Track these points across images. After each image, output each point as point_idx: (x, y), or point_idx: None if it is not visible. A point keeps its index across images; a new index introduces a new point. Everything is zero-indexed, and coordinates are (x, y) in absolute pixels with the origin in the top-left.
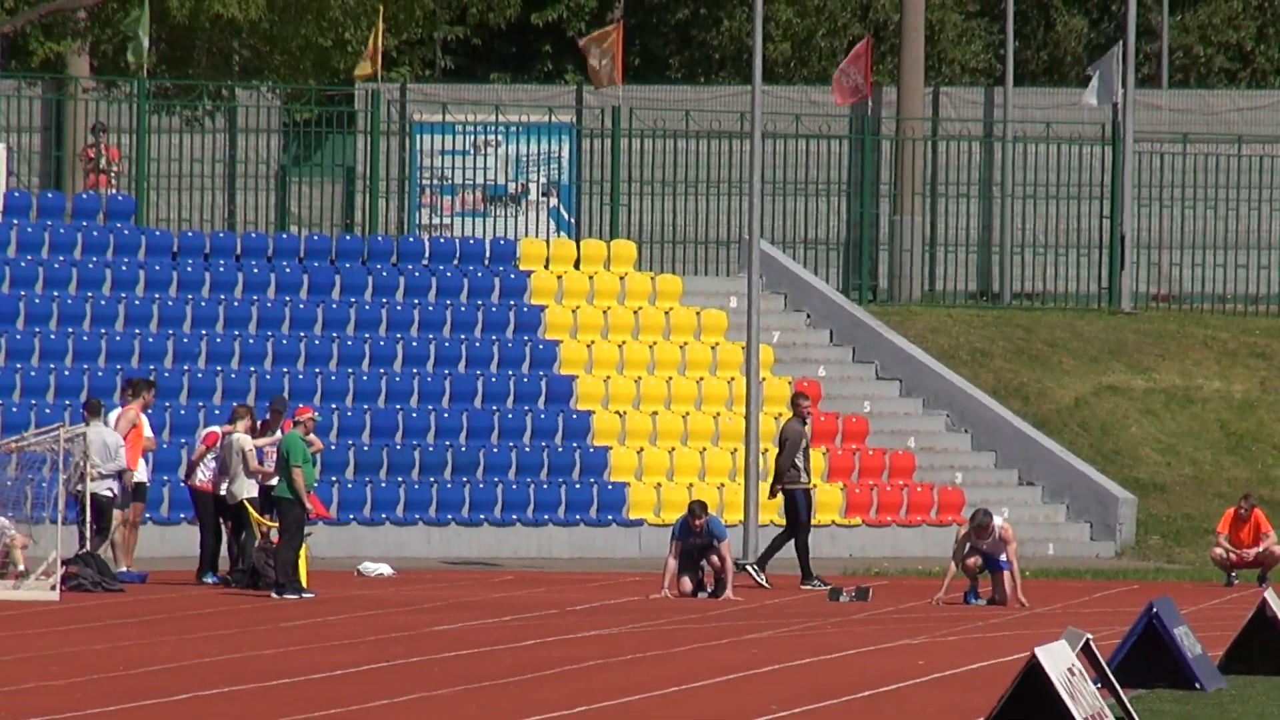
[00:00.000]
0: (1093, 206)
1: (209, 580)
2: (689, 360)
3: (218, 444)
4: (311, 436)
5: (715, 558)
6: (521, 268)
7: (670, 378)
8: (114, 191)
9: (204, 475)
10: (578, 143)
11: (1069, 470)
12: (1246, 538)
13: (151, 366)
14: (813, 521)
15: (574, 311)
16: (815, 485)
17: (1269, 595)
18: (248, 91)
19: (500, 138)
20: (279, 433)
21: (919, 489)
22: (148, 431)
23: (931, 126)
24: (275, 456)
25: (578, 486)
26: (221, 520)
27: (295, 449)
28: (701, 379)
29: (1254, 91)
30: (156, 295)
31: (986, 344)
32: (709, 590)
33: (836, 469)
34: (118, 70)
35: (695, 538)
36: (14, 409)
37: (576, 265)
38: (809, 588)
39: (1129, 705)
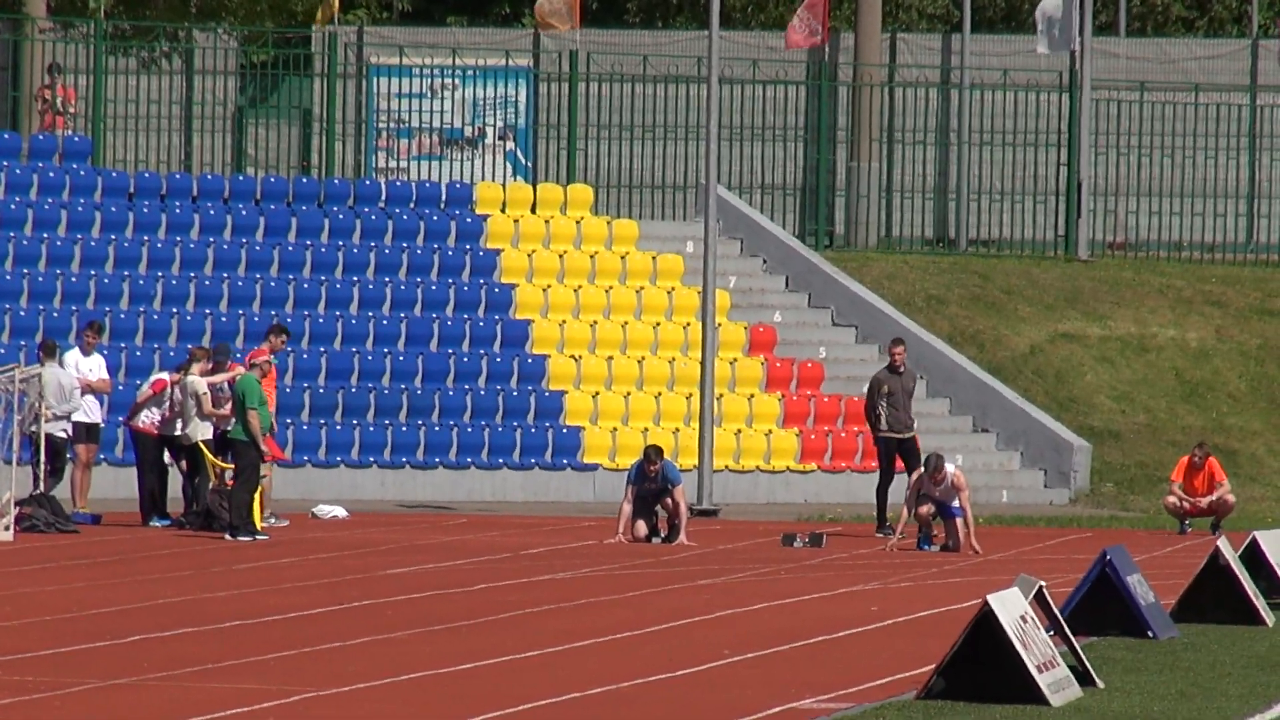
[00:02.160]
0: (1050, 154)
1: (157, 524)
2: (645, 305)
3: (164, 391)
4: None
5: (670, 502)
6: (478, 211)
7: (626, 322)
8: (70, 132)
9: (147, 418)
10: (534, 87)
11: (1024, 417)
12: (1200, 486)
13: (107, 308)
14: (898, 469)
15: (530, 256)
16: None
17: (1222, 544)
18: (205, 33)
19: (457, 81)
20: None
21: None
22: (103, 373)
23: (888, 73)
24: (230, 399)
25: (533, 430)
26: (176, 462)
27: (251, 391)
28: (658, 324)
29: (1211, 40)
30: (112, 236)
31: (942, 291)
32: (663, 535)
33: (791, 415)
34: (75, 11)
35: (650, 482)
36: None
37: (533, 209)
38: (880, 535)
39: (1081, 653)
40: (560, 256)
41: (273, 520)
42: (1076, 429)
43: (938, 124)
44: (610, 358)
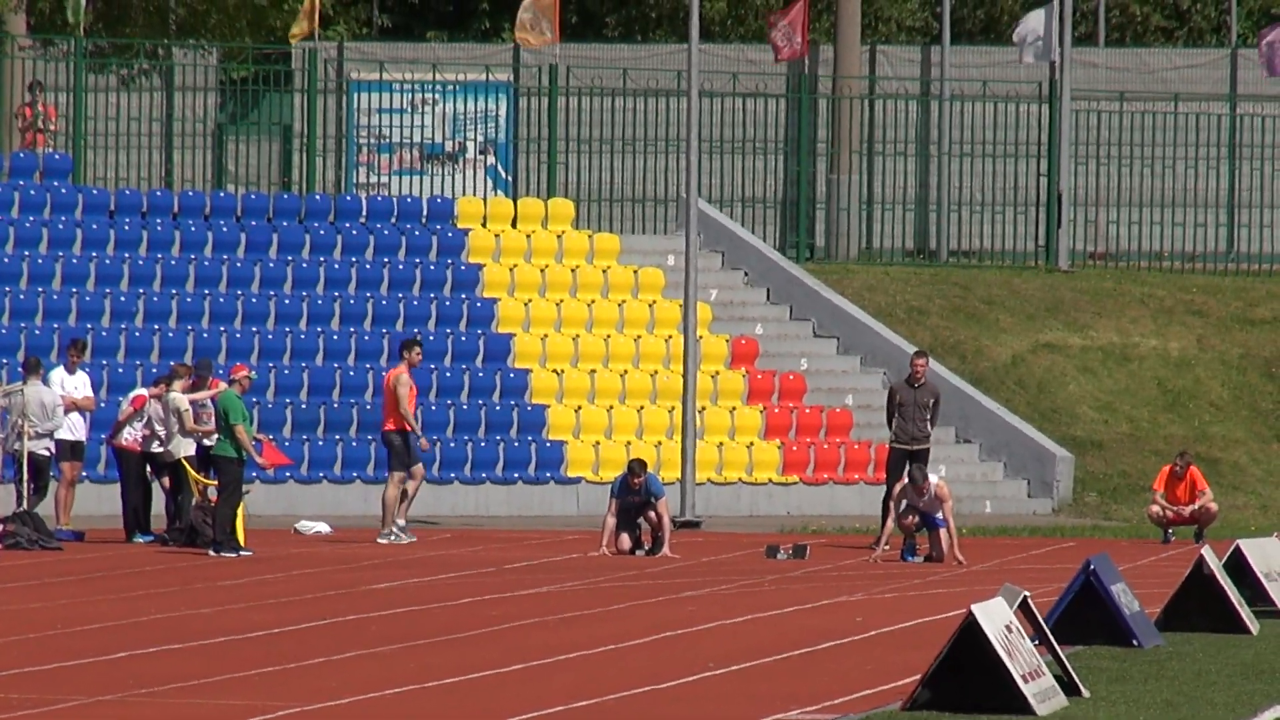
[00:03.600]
0: (1030, 164)
1: (141, 540)
2: (626, 318)
3: (144, 407)
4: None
5: (653, 515)
6: (459, 226)
7: (608, 336)
8: (51, 150)
9: (130, 435)
10: (515, 101)
11: (1006, 428)
12: (1183, 495)
13: (89, 325)
14: (896, 482)
15: (511, 270)
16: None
17: (1205, 552)
18: (184, 50)
19: (437, 96)
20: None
21: (856, 447)
22: (87, 391)
23: (868, 85)
24: (210, 415)
25: (516, 445)
26: (159, 478)
27: (234, 407)
28: (639, 337)
29: (1190, 49)
30: (94, 254)
31: (924, 302)
32: (647, 548)
33: (773, 427)
34: (55, 29)
35: (633, 495)
36: None
37: (514, 224)
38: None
39: (1066, 662)
40: (542, 271)
41: (401, 536)
42: (1059, 439)
43: (918, 135)
44: (593, 371)
